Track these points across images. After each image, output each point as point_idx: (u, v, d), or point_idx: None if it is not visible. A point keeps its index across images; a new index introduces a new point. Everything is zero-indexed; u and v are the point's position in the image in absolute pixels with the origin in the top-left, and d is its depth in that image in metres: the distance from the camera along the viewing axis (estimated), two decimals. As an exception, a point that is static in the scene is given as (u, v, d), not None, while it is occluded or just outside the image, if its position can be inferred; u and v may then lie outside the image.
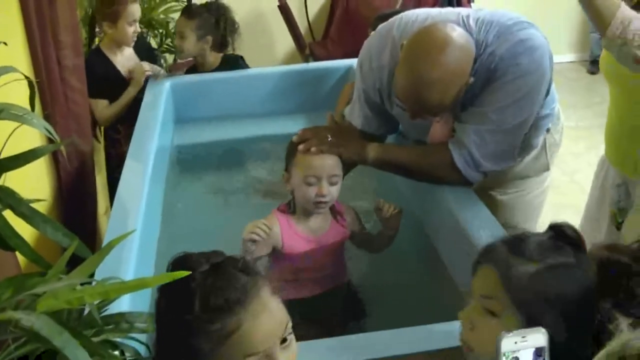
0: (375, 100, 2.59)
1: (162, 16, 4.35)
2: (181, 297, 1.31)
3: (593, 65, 6.66)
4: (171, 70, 4.00)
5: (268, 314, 1.30)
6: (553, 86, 2.47)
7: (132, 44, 3.66)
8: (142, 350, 1.63)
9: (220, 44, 3.83)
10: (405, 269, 2.59)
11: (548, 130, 2.58)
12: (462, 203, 2.38)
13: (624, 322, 0.99)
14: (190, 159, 3.45)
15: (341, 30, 5.75)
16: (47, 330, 1.11)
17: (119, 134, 3.62)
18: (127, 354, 1.58)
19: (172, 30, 4.35)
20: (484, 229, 2.20)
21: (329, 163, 2.32)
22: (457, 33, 2.19)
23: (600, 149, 2.55)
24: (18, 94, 1.62)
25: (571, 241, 1.39)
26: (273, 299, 1.34)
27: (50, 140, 2.97)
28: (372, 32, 2.62)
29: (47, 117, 2.92)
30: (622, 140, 2.54)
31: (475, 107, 2.33)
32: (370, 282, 2.55)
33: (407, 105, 2.28)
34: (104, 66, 3.61)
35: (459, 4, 5.36)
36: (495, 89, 2.28)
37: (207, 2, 3.86)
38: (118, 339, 1.56)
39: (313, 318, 2.23)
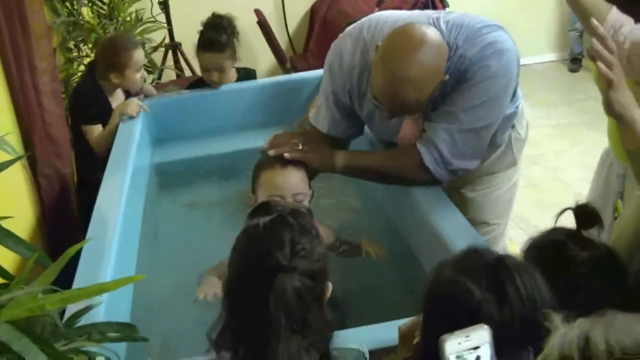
0: (344, 101, 2.61)
1: (138, 38, 4.36)
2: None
3: (573, 64, 6.70)
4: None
5: None
6: (518, 84, 2.52)
7: (139, 88, 3.63)
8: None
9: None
10: (381, 270, 2.60)
11: (513, 127, 2.63)
12: (431, 202, 2.43)
13: (557, 318, 1.02)
14: (169, 176, 3.49)
15: (320, 43, 5.79)
16: (7, 337, 1.15)
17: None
18: (99, 363, 1.63)
19: (149, 51, 4.38)
20: (453, 228, 2.26)
21: (293, 182, 2.35)
22: (432, 32, 2.24)
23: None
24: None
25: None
26: None
27: (33, 168, 3.06)
28: (340, 34, 2.65)
29: (28, 146, 3.00)
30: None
31: (445, 107, 2.37)
32: (347, 283, 2.53)
33: (384, 104, 2.31)
34: (97, 96, 3.55)
35: (434, 8, 5.42)
36: (464, 90, 2.33)
37: (214, 23, 3.72)
38: (93, 349, 1.61)
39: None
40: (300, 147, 2.41)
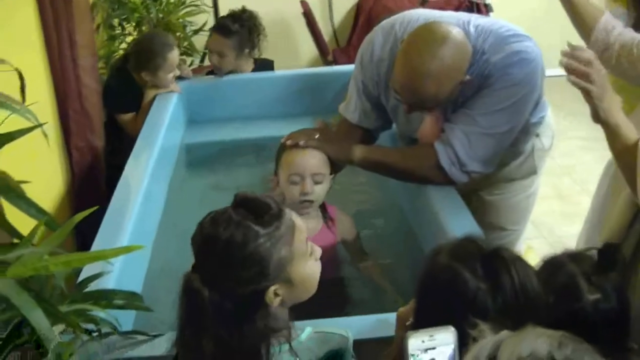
0: (373, 92, 2.66)
1: (180, 20, 4.43)
2: (235, 241, 1.43)
3: (608, 75, 6.63)
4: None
5: (293, 211, 1.56)
6: (544, 97, 2.55)
7: (171, 86, 3.67)
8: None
9: (251, 49, 3.89)
10: (394, 267, 2.63)
11: (537, 136, 2.65)
12: (443, 202, 2.45)
13: (485, 327, 1.03)
14: (199, 157, 3.58)
15: (363, 38, 5.73)
16: (8, 291, 1.23)
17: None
18: (104, 328, 1.71)
19: (190, 34, 4.44)
20: (461, 229, 2.23)
21: (312, 162, 2.39)
22: (455, 31, 2.26)
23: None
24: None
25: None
26: None
27: (67, 139, 3.15)
28: (375, 27, 2.70)
29: (63, 117, 3.09)
30: None
31: (465, 109, 2.41)
32: (360, 278, 2.60)
33: (403, 97, 2.34)
34: (127, 83, 3.61)
35: (479, 12, 5.42)
36: (485, 95, 2.36)
37: (235, 13, 3.84)
38: (101, 314, 1.68)
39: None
40: (317, 137, 2.45)
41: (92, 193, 3.23)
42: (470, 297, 1.34)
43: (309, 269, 1.55)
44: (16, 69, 1.66)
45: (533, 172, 2.72)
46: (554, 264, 1.65)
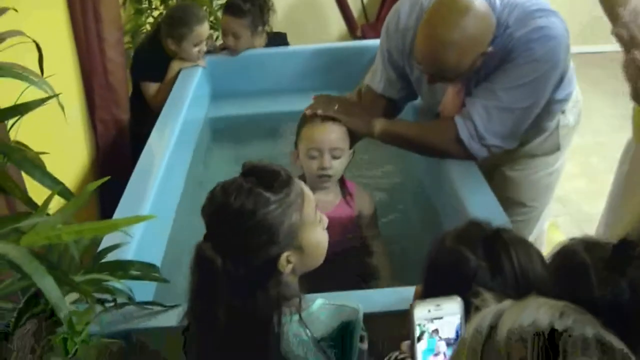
0: (398, 62, 2.67)
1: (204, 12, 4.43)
2: (246, 208, 1.44)
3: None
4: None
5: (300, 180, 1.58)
6: (570, 73, 2.53)
7: (197, 61, 3.68)
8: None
9: (264, 26, 3.88)
10: (415, 241, 2.63)
11: (563, 112, 2.63)
12: (463, 176, 2.45)
13: (489, 297, 1.03)
14: (223, 132, 3.60)
15: (392, 13, 5.77)
16: (21, 259, 1.25)
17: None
18: (120, 299, 1.73)
19: (216, 8, 4.44)
20: (479, 204, 2.27)
21: (332, 136, 2.39)
22: (479, 2, 2.25)
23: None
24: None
25: None
26: None
27: (91, 113, 3.18)
28: None
29: (88, 91, 3.11)
30: None
31: (486, 83, 2.40)
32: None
33: (424, 67, 2.34)
34: (160, 56, 3.65)
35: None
36: (507, 70, 2.34)
37: None
38: (117, 285, 1.70)
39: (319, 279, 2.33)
40: (336, 108, 2.45)
41: (118, 166, 3.25)
42: (471, 276, 1.34)
43: (318, 236, 1.58)
44: (34, 41, 1.67)
45: (556, 148, 2.69)
46: (567, 252, 1.65)
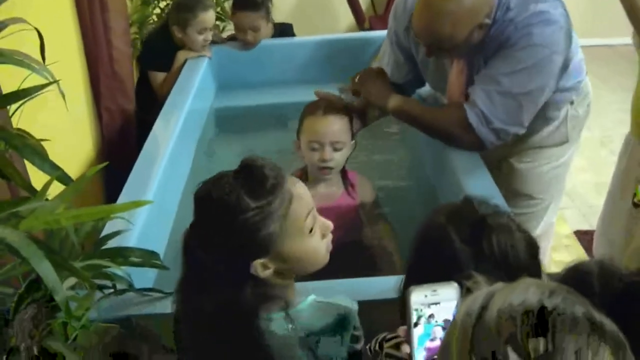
0: (404, 43, 2.68)
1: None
2: (226, 208, 1.41)
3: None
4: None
5: (300, 182, 1.52)
6: (577, 63, 2.51)
7: (202, 51, 3.69)
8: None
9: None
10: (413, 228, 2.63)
11: (572, 103, 2.60)
12: (468, 170, 2.44)
13: (481, 280, 1.03)
14: (229, 122, 3.60)
15: (400, 5, 5.76)
16: (19, 243, 1.25)
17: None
18: (120, 285, 1.74)
19: (222, 0, 4.45)
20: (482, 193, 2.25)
21: (333, 129, 2.40)
22: None
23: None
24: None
25: None
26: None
27: (97, 102, 3.19)
28: None
29: (94, 80, 3.12)
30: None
31: (486, 70, 2.38)
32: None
33: (420, 38, 2.35)
34: (168, 45, 3.66)
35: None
36: (506, 55, 2.33)
37: None
38: (118, 272, 1.71)
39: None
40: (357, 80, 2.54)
41: (123, 155, 3.25)
42: (452, 257, 1.34)
43: (306, 246, 1.50)
44: (35, 28, 1.68)
45: (565, 140, 2.67)
46: (580, 272, 1.64)
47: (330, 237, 1.58)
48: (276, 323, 1.45)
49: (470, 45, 2.33)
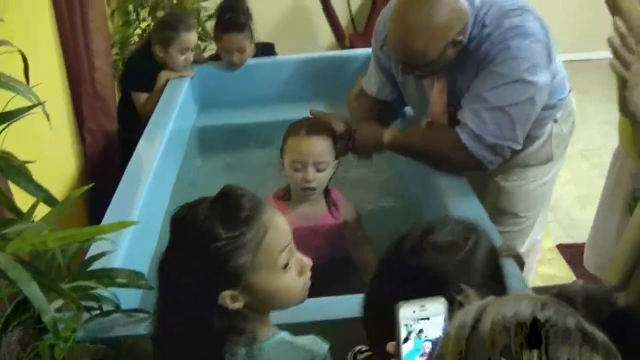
0: (385, 64, 2.70)
1: (193, 5, 4.46)
2: (198, 235, 1.39)
3: None
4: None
5: (279, 215, 1.48)
6: (560, 78, 2.51)
7: (184, 71, 3.69)
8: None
9: None
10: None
11: (556, 121, 2.59)
12: (453, 189, 2.43)
13: (472, 293, 1.04)
14: (211, 142, 3.60)
15: (380, 23, 5.79)
16: (6, 265, 1.26)
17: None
18: (106, 306, 1.74)
19: (204, 19, 4.46)
20: (465, 209, 2.25)
21: (316, 150, 2.40)
22: None
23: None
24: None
25: None
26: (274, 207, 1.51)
27: (79, 123, 3.19)
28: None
29: (76, 101, 3.13)
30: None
31: (470, 92, 2.38)
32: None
33: (396, 55, 2.37)
34: (150, 65, 3.66)
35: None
36: (487, 73, 2.33)
37: (232, 5, 3.76)
38: (104, 293, 1.71)
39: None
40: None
41: (107, 176, 3.24)
42: (399, 269, 1.34)
43: (278, 282, 1.46)
44: (19, 50, 1.68)
45: (550, 158, 2.66)
46: (564, 297, 1.64)
47: (308, 274, 1.53)
48: (238, 358, 1.42)
49: (445, 62, 2.33)
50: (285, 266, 1.46)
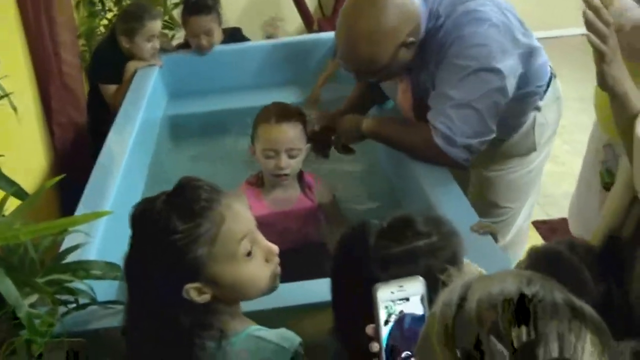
0: None
1: (159, 9, 4.40)
2: (157, 229, 1.38)
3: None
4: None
5: (240, 202, 1.48)
6: (539, 64, 2.43)
7: (152, 60, 3.67)
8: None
9: None
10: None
11: (539, 109, 2.51)
12: (434, 180, 2.37)
13: (455, 272, 1.03)
14: (182, 129, 3.58)
15: (348, 6, 5.78)
16: (-23, 261, 1.23)
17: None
18: (82, 299, 1.72)
19: (171, 7, 4.42)
20: (451, 206, 2.19)
21: (287, 137, 2.37)
22: None
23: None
24: None
25: None
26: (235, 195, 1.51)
27: (48, 116, 3.15)
28: None
29: (44, 95, 3.09)
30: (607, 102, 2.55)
31: (436, 90, 2.31)
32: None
33: (343, 62, 2.32)
34: (117, 57, 3.62)
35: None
36: (447, 66, 2.25)
37: None
38: (80, 286, 1.69)
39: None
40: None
41: (78, 169, 3.20)
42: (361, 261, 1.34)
43: (241, 271, 1.44)
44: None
45: (533, 148, 2.58)
46: (550, 254, 1.66)
47: (276, 261, 1.52)
48: (207, 354, 1.41)
49: (401, 65, 2.28)
50: (249, 254, 1.44)
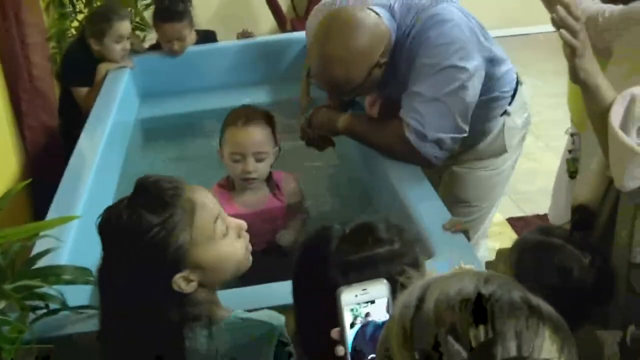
0: None
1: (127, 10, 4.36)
2: (129, 233, 1.38)
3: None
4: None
5: (200, 189, 1.50)
6: (504, 71, 2.47)
7: (123, 61, 3.64)
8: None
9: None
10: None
11: (508, 114, 2.56)
12: (405, 178, 2.39)
13: (415, 274, 1.03)
14: (155, 131, 3.56)
15: (321, 6, 5.78)
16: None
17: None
18: (53, 304, 1.70)
19: (142, 8, 4.39)
20: (423, 203, 2.22)
21: (254, 140, 2.37)
22: (365, 15, 2.24)
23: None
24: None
25: None
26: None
27: (18, 120, 3.12)
28: (315, 7, 2.70)
29: (14, 99, 3.06)
30: (574, 90, 2.59)
31: (407, 90, 2.34)
32: None
33: (316, 81, 2.36)
34: (88, 59, 3.60)
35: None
36: (415, 68, 2.30)
37: None
38: (51, 291, 1.67)
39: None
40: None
41: (50, 172, 3.18)
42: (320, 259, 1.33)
43: (221, 251, 1.47)
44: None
45: (503, 151, 2.63)
46: (526, 244, 1.69)
47: (247, 236, 1.56)
48: (199, 341, 1.42)
49: (373, 83, 2.32)
50: (225, 233, 1.48)
